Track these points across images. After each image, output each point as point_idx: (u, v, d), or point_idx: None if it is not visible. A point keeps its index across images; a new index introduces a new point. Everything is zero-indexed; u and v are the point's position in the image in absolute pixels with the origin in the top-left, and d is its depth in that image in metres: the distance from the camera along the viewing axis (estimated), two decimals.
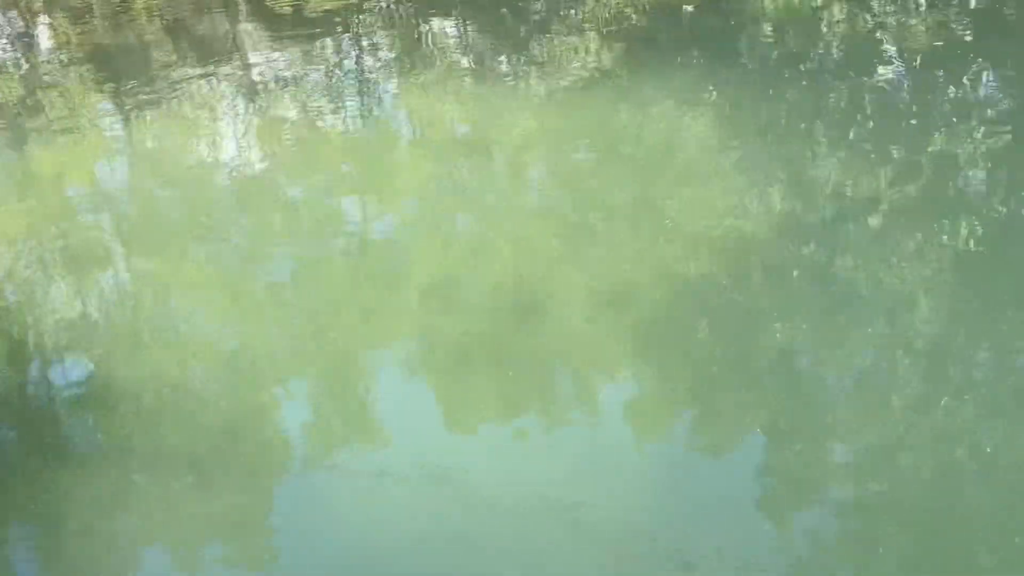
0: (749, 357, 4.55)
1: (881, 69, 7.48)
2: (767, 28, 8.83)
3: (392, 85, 8.99)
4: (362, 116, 8.40)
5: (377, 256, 6.04)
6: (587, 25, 9.68)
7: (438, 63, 9.36)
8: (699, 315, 4.90)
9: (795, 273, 5.17)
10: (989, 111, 6.58)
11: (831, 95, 7.30)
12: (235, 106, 8.80)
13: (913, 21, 8.38)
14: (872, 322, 4.61)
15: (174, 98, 8.82)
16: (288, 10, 11.36)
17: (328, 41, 10.24)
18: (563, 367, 4.78)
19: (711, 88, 7.54)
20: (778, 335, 4.66)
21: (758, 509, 3.77)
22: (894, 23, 8.42)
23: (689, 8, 9.89)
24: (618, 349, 4.79)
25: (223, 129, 8.41)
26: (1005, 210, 5.43)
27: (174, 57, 10.18)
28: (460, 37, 10.12)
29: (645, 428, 4.28)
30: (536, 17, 10.27)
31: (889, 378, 4.32)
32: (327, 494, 4.11)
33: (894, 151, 6.15)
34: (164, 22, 11.29)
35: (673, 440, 4.26)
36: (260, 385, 4.89)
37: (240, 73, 9.63)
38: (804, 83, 7.60)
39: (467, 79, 8.81)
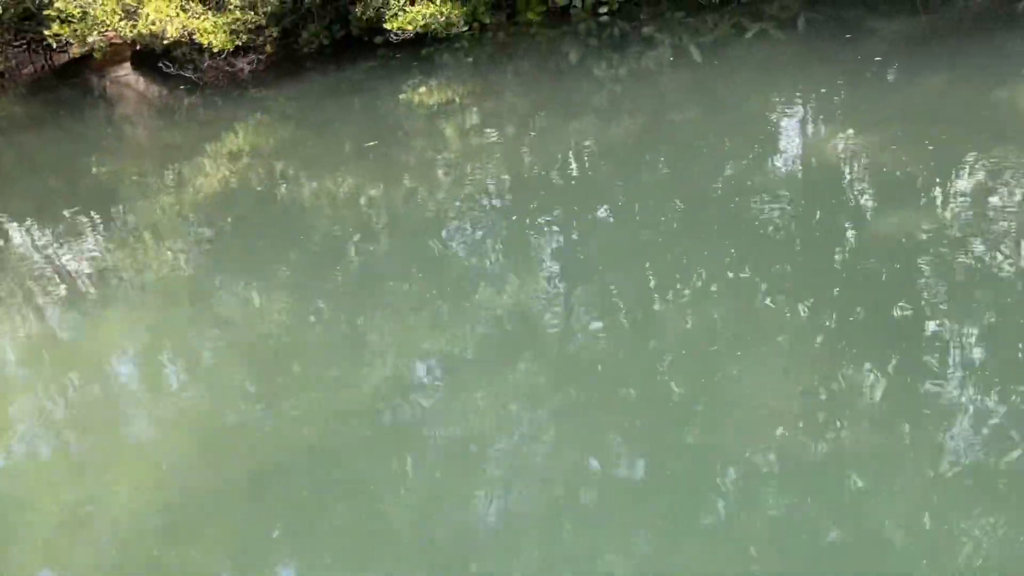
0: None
1: (420, 229, 8.58)
2: (326, 209, 9.77)
3: None
4: None
5: None
6: (164, 222, 10.06)
7: (12, 278, 9.11)
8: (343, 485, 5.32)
9: (412, 431, 5.65)
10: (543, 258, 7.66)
11: (386, 260, 8.30)
12: None
13: (446, 189, 9.66)
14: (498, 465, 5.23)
15: None
16: None
17: None
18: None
19: (285, 268, 8.30)
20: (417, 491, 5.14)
21: None
22: (425, 192, 9.67)
23: (253, 196, 10.67)
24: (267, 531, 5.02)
25: None
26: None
27: None
28: (37, 245, 9.90)
29: None
30: (110, 222, 10.44)
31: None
32: None
33: (458, 305, 7.09)
34: None
35: None
36: None
37: None
38: (359, 256, 8.49)
39: (49, 289, 8.69)
